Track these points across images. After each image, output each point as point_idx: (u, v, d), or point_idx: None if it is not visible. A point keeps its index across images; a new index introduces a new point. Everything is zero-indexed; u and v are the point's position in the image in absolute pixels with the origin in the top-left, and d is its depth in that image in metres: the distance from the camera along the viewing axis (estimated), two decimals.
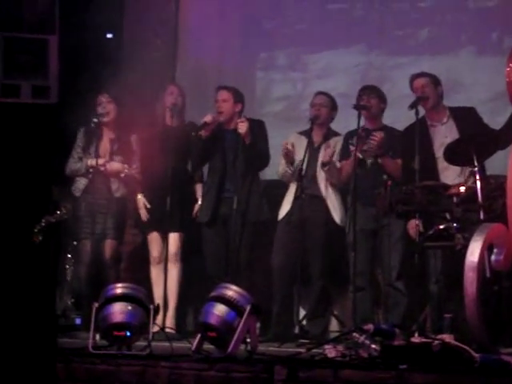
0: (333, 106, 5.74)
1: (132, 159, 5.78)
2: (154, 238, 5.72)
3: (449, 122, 5.34)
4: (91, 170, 5.70)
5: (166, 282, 5.56)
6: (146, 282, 5.59)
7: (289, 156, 5.52)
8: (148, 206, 5.72)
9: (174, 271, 5.62)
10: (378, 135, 5.33)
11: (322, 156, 5.57)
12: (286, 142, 5.55)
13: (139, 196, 5.77)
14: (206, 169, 5.89)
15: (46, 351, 2.15)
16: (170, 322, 5.48)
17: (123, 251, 6.10)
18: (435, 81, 5.36)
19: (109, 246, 5.72)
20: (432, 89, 5.32)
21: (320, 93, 5.77)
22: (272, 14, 6.85)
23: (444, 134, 5.28)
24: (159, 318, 5.17)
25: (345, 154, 5.56)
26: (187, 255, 5.74)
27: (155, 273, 5.69)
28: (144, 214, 5.74)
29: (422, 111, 5.31)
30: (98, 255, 5.71)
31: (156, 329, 4.40)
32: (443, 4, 6.39)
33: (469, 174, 4.52)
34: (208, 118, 5.56)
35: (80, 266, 5.79)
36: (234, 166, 5.56)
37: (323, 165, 5.50)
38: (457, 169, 5.08)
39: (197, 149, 5.64)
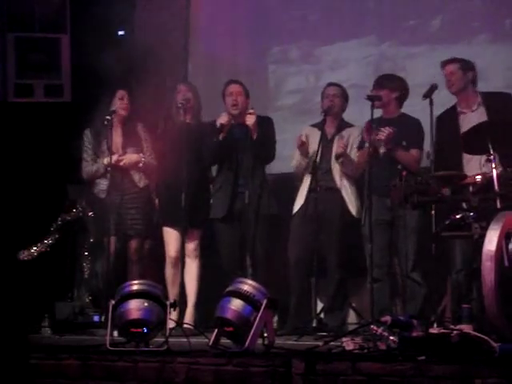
0: (345, 97, 5.74)
1: (143, 148, 5.79)
2: (171, 235, 5.68)
3: (479, 109, 5.28)
4: (109, 169, 5.67)
5: (183, 278, 5.55)
6: (164, 279, 5.61)
7: (303, 148, 5.52)
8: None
9: (192, 267, 5.60)
10: (386, 131, 5.29)
11: (335, 148, 5.56)
12: (301, 135, 5.55)
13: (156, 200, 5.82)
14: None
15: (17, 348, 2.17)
16: (188, 318, 5.46)
17: (144, 247, 6.10)
18: (465, 66, 5.33)
19: (135, 242, 5.72)
20: (460, 75, 5.30)
21: (332, 84, 5.77)
22: (283, 6, 6.83)
23: (473, 121, 5.15)
24: (177, 314, 5.17)
25: (362, 144, 5.53)
26: (205, 251, 5.73)
27: (172, 272, 5.65)
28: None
29: (454, 99, 5.28)
30: (123, 252, 5.71)
31: (173, 324, 4.39)
32: None
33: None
34: (223, 120, 5.56)
35: (102, 262, 5.75)
36: (243, 161, 5.54)
37: (337, 157, 5.51)
38: (480, 159, 5.03)
39: (213, 150, 5.63)
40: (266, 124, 5.65)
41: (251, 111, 5.54)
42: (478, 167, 4.96)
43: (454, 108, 5.34)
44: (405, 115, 5.57)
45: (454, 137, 5.15)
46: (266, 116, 5.77)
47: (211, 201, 5.73)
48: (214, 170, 5.91)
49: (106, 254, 5.67)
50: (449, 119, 5.11)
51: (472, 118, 5.24)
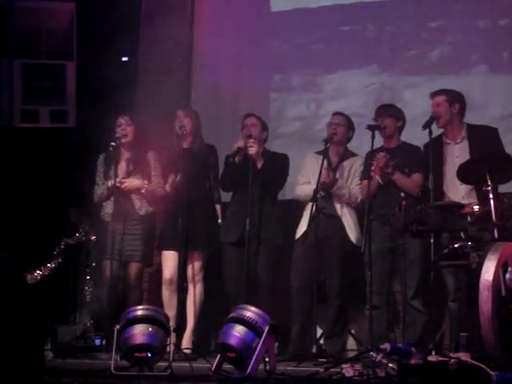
0: (350, 126, 5.78)
1: (151, 176, 5.85)
2: (168, 257, 5.74)
3: (463, 142, 5.36)
4: (115, 191, 5.73)
5: (184, 302, 5.59)
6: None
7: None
8: None
9: (193, 292, 5.66)
10: (380, 156, 5.35)
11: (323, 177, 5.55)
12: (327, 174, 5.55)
13: None
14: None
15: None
16: (186, 342, 5.50)
17: (146, 272, 6.15)
18: (451, 98, 5.36)
19: (134, 267, 5.77)
20: (446, 107, 5.34)
21: (337, 113, 5.83)
22: (285, 36, 6.94)
23: (456, 153, 5.32)
24: (176, 338, 5.20)
25: (365, 174, 5.52)
26: (207, 276, 5.78)
27: (167, 295, 5.70)
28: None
29: (439, 129, 5.36)
30: (122, 276, 5.76)
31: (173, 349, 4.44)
32: (454, 24, 6.46)
33: (482, 194, 4.55)
34: (241, 144, 5.67)
35: (102, 286, 5.80)
36: (251, 189, 5.58)
37: (321, 187, 5.49)
38: (463, 190, 5.13)
39: (229, 172, 5.75)
40: (278, 159, 5.78)
41: (251, 142, 5.63)
42: (459, 198, 5.05)
43: (440, 137, 5.39)
44: (405, 143, 5.62)
45: (438, 166, 5.23)
46: (282, 153, 5.87)
47: (221, 224, 5.81)
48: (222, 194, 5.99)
49: (103, 279, 5.74)
50: (434, 148, 5.18)
51: (455, 150, 5.35)
